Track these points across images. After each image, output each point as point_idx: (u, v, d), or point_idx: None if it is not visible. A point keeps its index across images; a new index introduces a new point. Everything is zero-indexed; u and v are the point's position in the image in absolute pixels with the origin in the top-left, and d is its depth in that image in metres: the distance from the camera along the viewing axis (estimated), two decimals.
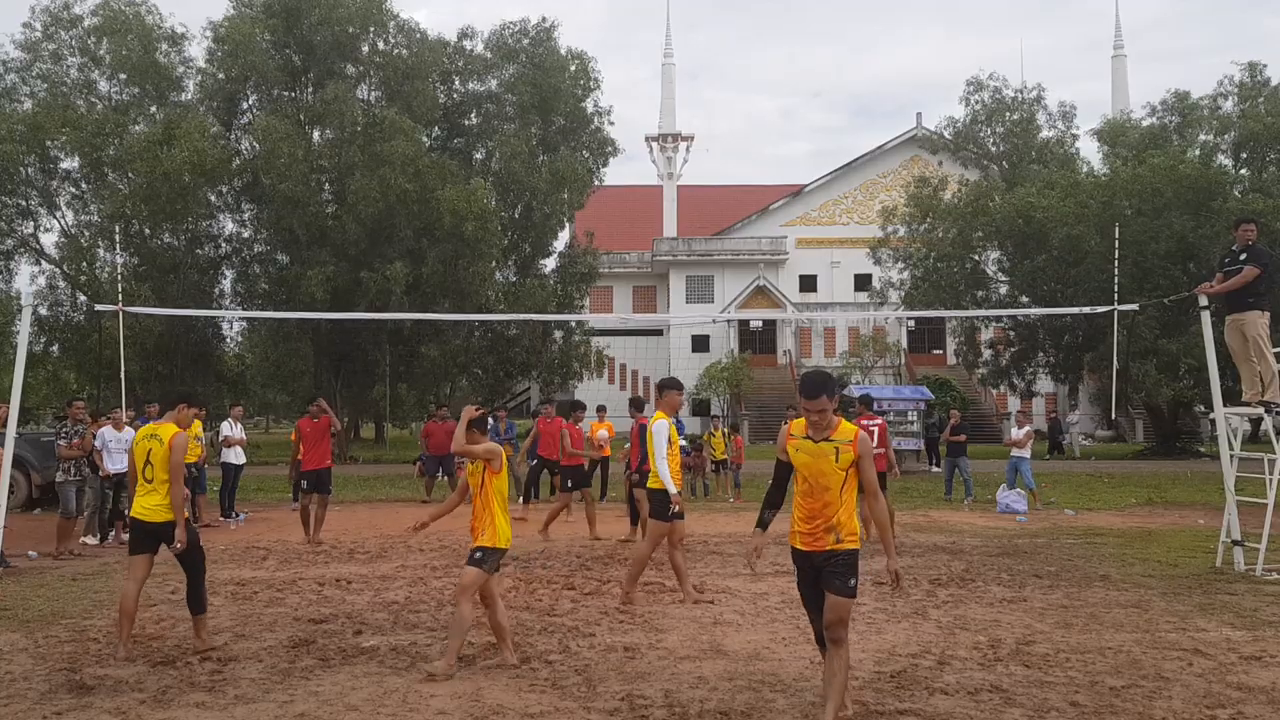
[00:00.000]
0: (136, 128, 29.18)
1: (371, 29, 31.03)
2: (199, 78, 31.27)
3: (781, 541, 12.14)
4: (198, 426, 15.22)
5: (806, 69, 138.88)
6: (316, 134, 31.03)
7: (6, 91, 30.00)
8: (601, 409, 17.58)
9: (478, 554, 6.29)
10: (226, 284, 32.93)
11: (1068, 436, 33.36)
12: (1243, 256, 9.51)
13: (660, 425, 8.49)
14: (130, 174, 28.31)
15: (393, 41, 31.72)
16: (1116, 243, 13.78)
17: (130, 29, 29.24)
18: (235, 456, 15.56)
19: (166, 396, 7.60)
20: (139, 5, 30.33)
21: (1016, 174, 33.35)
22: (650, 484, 8.62)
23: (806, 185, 50.39)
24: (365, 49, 31.35)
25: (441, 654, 6.30)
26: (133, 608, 6.80)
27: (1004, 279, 31.58)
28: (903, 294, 33.22)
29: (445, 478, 18.54)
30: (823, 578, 4.98)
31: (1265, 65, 29.42)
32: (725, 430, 19.54)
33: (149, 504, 6.83)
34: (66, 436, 11.90)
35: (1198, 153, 27.92)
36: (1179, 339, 25.08)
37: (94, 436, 12.28)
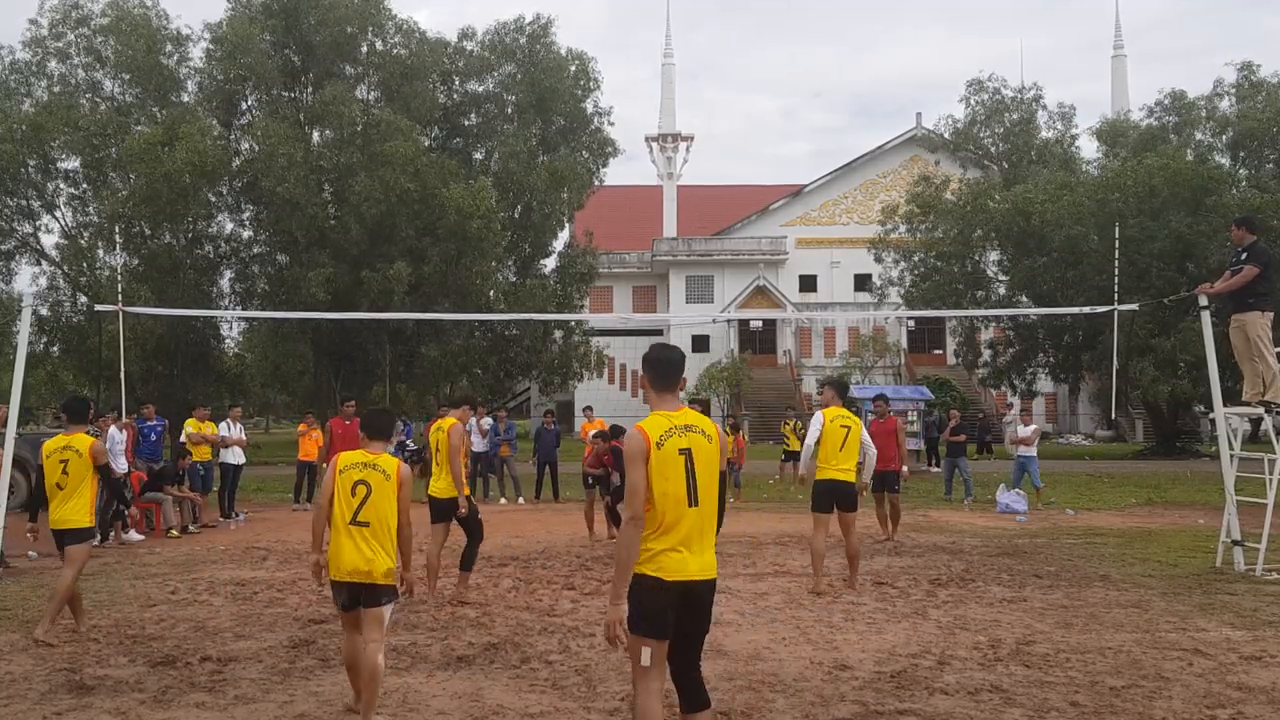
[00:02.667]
0: (138, 128, 29.22)
1: (370, 29, 31.05)
2: (198, 78, 31.31)
3: (781, 541, 12.19)
4: (210, 426, 15.23)
5: (807, 69, 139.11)
6: (316, 135, 31.05)
7: (9, 92, 30.02)
8: (588, 409, 17.67)
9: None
10: (226, 284, 32.97)
11: (1006, 435, 32.98)
12: (1244, 256, 9.49)
13: (816, 417, 8.94)
14: (131, 175, 28.34)
15: (391, 42, 31.74)
16: (1116, 242, 13.79)
17: (138, 30, 29.27)
18: (234, 457, 15.56)
19: (453, 399, 9.90)
20: (149, 8, 30.39)
21: (1016, 174, 33.39)
22: (819, 476, 8.92)
23: (806, 185, 50.39)
24: (364, 49, 31.37)
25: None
26: (437, 564, 8.68)
27: (1003, 279, 31.59)
28: (903, 293, 33.23)
29: None
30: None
31: (1259, 65, 29.58)
32: (727, 429, 19.53)
33: (441, 485, 8.48)
34: None
35: (1191, 154, 27.92)
36: (1175, 336, 25.10)
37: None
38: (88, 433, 7.65)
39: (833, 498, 8.94)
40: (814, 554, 8.92)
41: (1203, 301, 10.39)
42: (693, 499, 4.03)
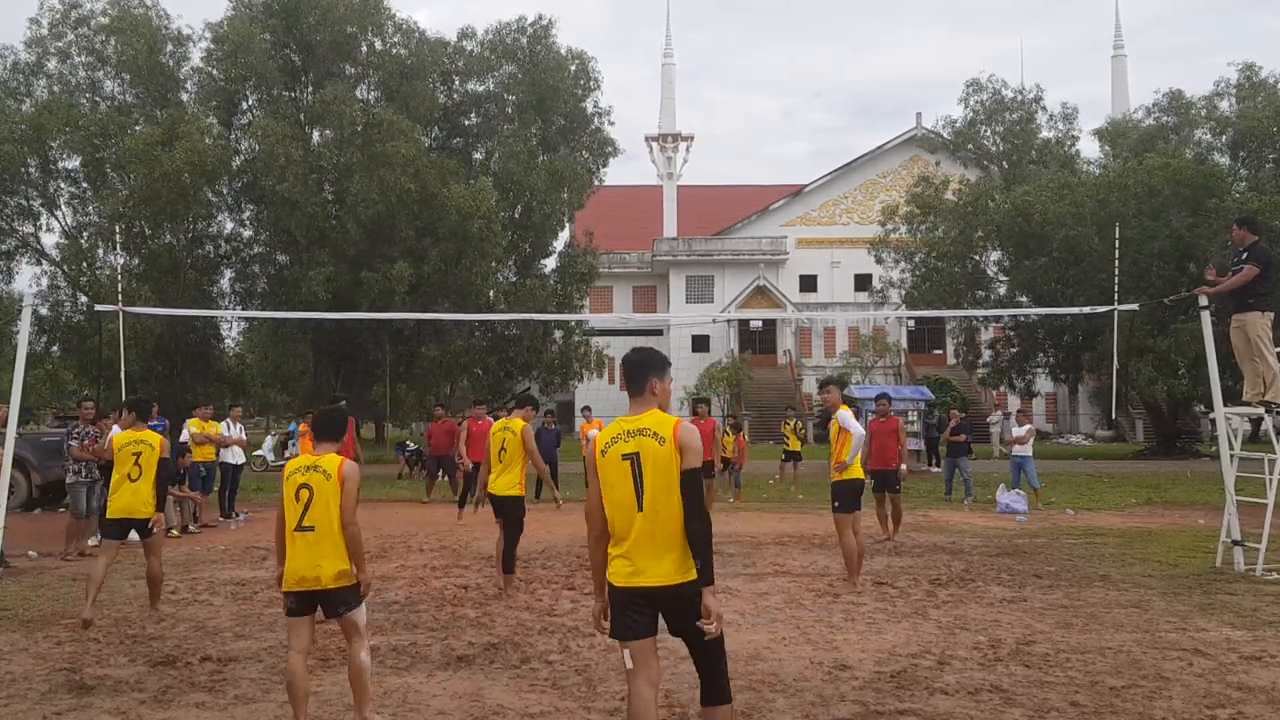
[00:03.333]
0: (138, 128, 29.22)
1: (370, 29, 31.05)
2: (198, 78, 31.31)
3: (781, 541, 12.18)
4: (214, 425, 15.19)
5: (807, 69, 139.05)
6: (316, 134, 31.04)
7: (10, 92, 30.03)
8: (586, 409, 17.72)
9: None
10: (226, 284, 32.97)
11: (993, 437, 32.80)
12: (1244, 256, 9.50)
13: (845, 415, 9.06)
14: (130, 175, 28.34)
15: (391, 42, 31.74)
16: (1117, 242, 13.78)
17: (138, 30, 29.28)
18: (234, 457, 15.56)
19: (520, 401, 9.97)
20: (149, 7, 30.40)
21: (1016, 174, 33.39)
22: (842, 475, 9.07)
23: (806, 185, 50.40)
24: (364, 49, 31.37)
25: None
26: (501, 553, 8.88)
27: (1004, 279, 31.60)
28: (903, 293, 33.24)
29: (445, 478, 18.59)
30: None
31: (1261, 66, 29.56)
32: (727, 429, 19.53)
33: (502, 482, 8.80)
34: (78, 437, 11.83)
35: (1190, 154, 27.90)
36: (1174, 336, 25.11)
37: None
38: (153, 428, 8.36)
39: (858, 496, 9.14)
40: (851, 553, 9.05)
41: (1203, 301, 10.39)
42: (640, 504, 3.92)
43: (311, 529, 4.95)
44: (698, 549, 3.87)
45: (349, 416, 5.45)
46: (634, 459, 3.95)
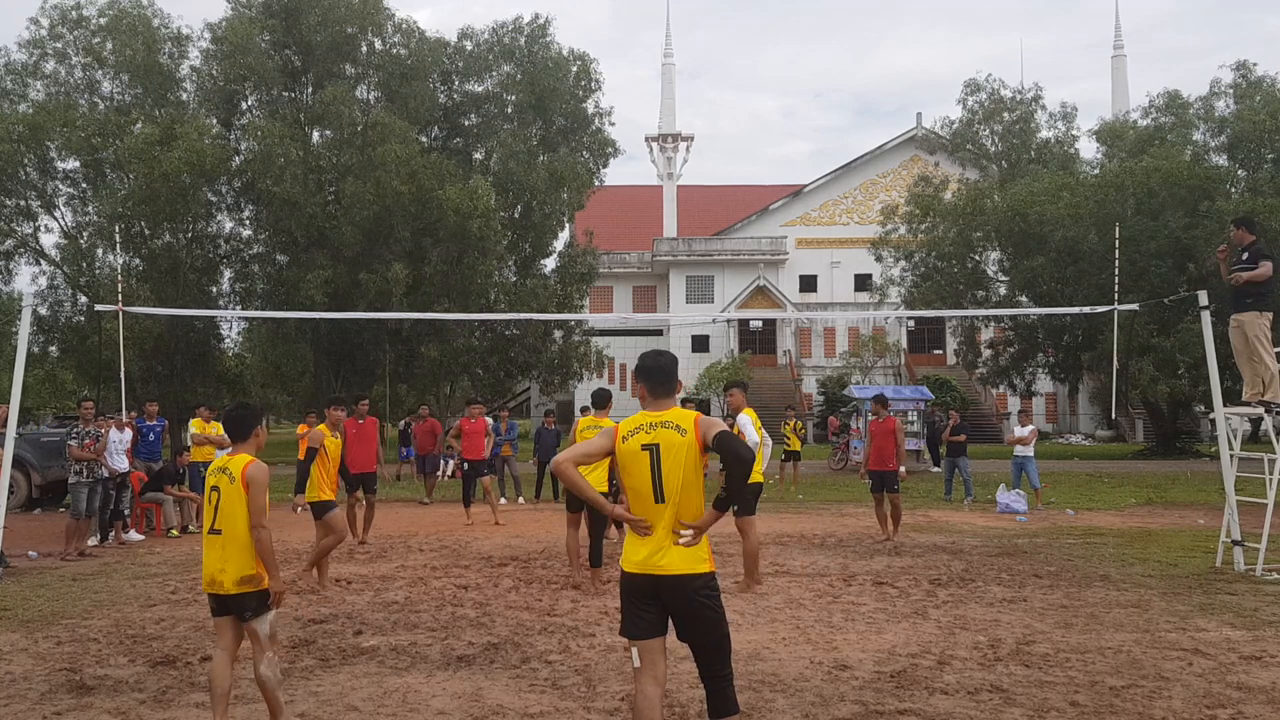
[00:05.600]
0: (137, 128, 29.22)
1: (370, 29, 31.05)
2: (197, 78, 31.31)
3: (782, 541, 12.18)
4: (216, 426, 15.14)
5: (808, 69, 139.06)
6: (315, 135, 31.04)
7: (5, 93, 30.01)
8: (586, 409, 17.69)
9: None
10: (226, 284, 32.98)
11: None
12: (1244, 257, 9.49)
13: (744, 419, 9.06)
14: (129, 174, 28.33)
15: (391, 41, 31.75)
16: (1116, 242, 13.79)
17: (136, 30, 29.26)
18: None
19: (598, 399, 10.05)
20: (145, 7, 30.39)
21: (1015, 174, 33.39)
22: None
23: (806, 185, 50.42)
24: (364, 49, 31.37)
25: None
26: (577, 548, 9.47)
27: (1004, 279, 31.61)
28: (903, 293, 33.24)
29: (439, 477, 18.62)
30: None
31: (1256, 64, 29.55)
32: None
33: (591, 480, 8.65)
34: (78, 437, 11.82)
35: (1189, 155, 27.87)
36: (1175, 336, 25.11)
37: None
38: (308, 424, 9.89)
39: (756, 499, 9.11)
40: (754, 554, 8.92)
41: (1203, 301, 10.39)
42: (658, 495, 4.01)
43: (219, 532, 4.90)
44: (734, 490, 3.93)
45: (261, 414, 5.43)
46: (654, 450, 4.02)
